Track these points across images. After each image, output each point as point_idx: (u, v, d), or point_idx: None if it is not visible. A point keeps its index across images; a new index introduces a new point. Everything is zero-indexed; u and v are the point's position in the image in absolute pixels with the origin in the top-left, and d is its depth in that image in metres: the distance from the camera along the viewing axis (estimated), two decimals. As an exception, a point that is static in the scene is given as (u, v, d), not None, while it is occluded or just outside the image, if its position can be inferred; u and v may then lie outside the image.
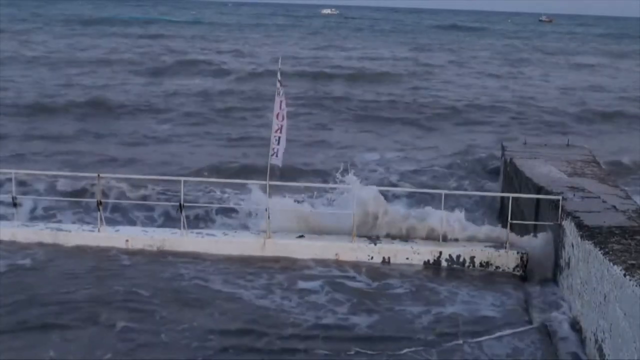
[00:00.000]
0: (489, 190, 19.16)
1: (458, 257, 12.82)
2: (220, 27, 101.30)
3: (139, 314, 10.58)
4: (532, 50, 78.65)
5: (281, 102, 12.86)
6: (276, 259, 12.87)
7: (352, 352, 9.66)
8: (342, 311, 10.96)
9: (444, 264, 12.85)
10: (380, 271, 12.60)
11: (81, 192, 17.26)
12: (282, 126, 12.92)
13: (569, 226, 11.19)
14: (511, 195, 13.05)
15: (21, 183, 16.51)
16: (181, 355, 9.48)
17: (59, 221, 15.09)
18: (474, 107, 36.00)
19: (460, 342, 9.99)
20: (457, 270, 12.74)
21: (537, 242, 12.65)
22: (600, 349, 9.11)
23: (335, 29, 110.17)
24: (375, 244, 13.12)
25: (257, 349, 9.73)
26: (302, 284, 11.90)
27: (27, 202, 15.34)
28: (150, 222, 15.77)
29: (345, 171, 15.00)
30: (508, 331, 10.34)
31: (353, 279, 12.25)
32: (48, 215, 15.61)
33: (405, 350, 9.73)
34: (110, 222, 14.69)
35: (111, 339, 9.84)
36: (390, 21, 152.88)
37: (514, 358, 9.63)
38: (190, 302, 11.06)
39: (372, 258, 12.94)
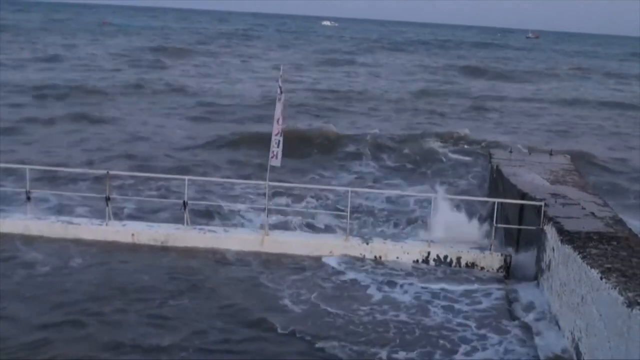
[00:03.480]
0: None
1: (445, 257, 12.79)
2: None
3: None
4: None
5: (282, 107, 12.82)
6: (275, 254, 12.85)
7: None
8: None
9: (432, 263, 12.82)
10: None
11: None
12: (280, 130, 12.88)
13: (550, 231, 11.16)
14: (496, 200, 13.03)
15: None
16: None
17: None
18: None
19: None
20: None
21: None
22: (577, 347, 9.12)
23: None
24: (367, 243, 13.07)
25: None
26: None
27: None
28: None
29: None
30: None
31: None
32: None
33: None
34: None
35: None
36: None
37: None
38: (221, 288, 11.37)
39: (364, 256, 12.90)
